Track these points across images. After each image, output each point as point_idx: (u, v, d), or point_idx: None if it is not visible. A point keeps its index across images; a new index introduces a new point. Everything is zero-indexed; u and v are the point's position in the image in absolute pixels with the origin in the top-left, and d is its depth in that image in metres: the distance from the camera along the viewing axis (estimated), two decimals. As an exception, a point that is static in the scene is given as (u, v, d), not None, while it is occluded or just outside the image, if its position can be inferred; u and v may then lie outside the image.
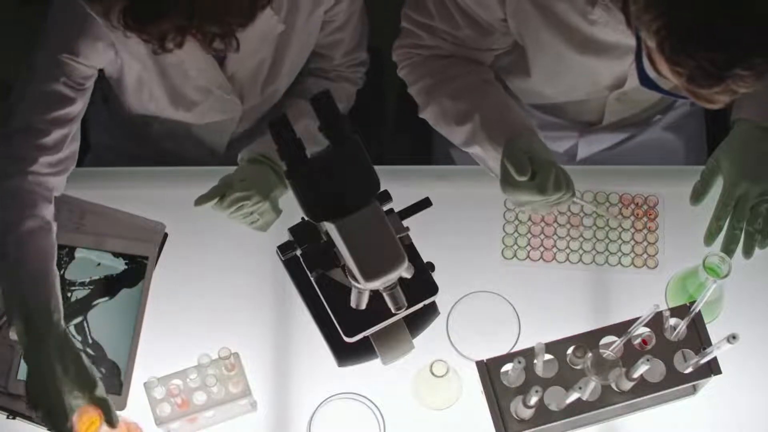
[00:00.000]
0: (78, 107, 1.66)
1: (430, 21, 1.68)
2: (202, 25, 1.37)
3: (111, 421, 1.55)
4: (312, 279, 1.51)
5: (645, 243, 1.77)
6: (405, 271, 1.40)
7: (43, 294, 1.57)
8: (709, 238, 1.71)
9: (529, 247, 1.77)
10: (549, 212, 1.73)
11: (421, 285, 1.49)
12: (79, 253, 1.74)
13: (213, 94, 1.75)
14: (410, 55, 1.74)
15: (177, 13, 1.34)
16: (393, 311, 1.44)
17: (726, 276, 1.55)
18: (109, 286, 1.73)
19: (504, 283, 1.73)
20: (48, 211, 1.65)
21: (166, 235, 1.77)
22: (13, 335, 1.56)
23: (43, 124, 1.64)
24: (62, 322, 1.57)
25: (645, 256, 1.76)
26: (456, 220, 1.77)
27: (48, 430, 1.55)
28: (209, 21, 1.37)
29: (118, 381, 1.67)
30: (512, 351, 1.61)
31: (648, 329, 1.52)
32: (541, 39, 1.64)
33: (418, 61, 1.73)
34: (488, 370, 1.53)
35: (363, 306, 1.46)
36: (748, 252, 1.69)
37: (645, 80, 1.41)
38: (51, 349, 1.54)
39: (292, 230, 1.52)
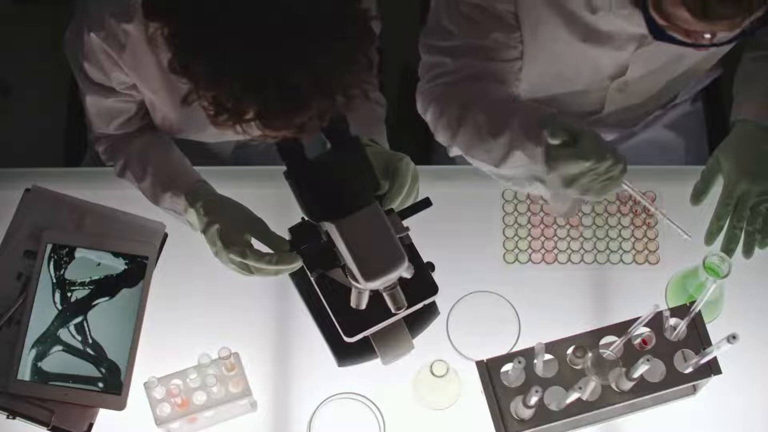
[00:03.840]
0: (136, 101, 1.69)
1: (453, 41, 1.65)
2: (337, 99, 1.31)
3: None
4: (312, 279, 1.51)
5: (645, 239, 1.77)
6: (405, 271, 1.40)
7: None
8: (710, 237, 1.71)
9: (530, 250, 1.77)
10: (600, 198, 1.59)
11: (421, 285, 1.49)
12: (79, 253, 1.74)
13: None
14: (435, 88, 1.70)
15: (318, 98, 1.28)
16: (393, 311, 1.44)
17: (726, 276, 1.55)
18: (109, 286, 1.73)
19: (504, 283, 1.73)
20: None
21: (166, 235, 1.77)
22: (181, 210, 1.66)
23: (120, 128, 1.73)
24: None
25: (646, 252, 1.77)
26: (456, 220, 1.77)
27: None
28: (351, 91, 1.31)
29: (118, 381, 1.67)
30: (512, 351, 1.61)
31: (648, 329, 1.52)
32: (542, 21, 1.63)
33: (445, 91, 1.69)
34: (488, 370, 1.53)
35: (363, 306, 1.46)
36: (748, 252, 1.69)
37: (656, 32, 1.40)
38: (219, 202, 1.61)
39: (292, 230, 1.52)
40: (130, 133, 1.75)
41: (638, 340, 1.53)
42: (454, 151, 1.73)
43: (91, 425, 1.66)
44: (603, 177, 1.50)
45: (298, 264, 1.51)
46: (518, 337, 1.68)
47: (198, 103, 1.32)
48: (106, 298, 1.72)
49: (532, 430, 1.51)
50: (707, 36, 1.38)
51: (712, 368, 1.52)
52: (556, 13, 1.61)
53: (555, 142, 1.48)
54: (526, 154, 1.59)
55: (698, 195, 1.73)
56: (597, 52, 1.66)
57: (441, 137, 1.72)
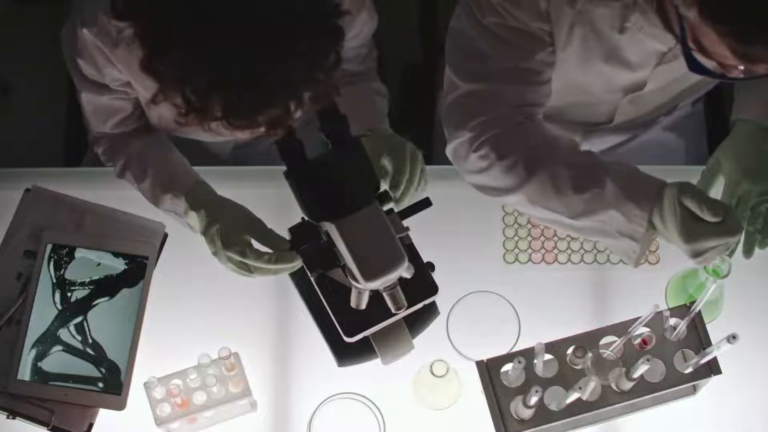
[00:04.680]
0: (131, 99, 1.68)
1: (495, 66, 1.60)
2: (304, 96, 1.29)
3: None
4: (312, 279, 1.51)
5: (645, 239, 1.77)
6: (405, 271, 1.40)
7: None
8: None
9: (530, 250, 1.77)
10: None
11: (421, 285, 1.49)
12: (79, 253, 1.74)
13: None
14: (488, 125, 1.62)
15: (284, 95, 1.27)
16: (393, 311, 1.44)
17: (726, 276, 1.55)
18: (109, 286, 1.73)
19: (504, 283, 1.72)
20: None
21: (166, 235, 1.77)
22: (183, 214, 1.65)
23: (116, 127, 1.72)
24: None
25: (646, 252, 1.76)
26: (456, 220, 1.77)
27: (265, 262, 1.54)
28: (313, 87, 1.30)
29: (118, 381, 1.67)
30: (512, 351, 1.61)
31: (648, 329, 1.52)
32: (572, 39, 1.61)
33: (493, 131, 1.62)
34: (488, 370, 1.53)
35: (363, 306, 1.46)
36: (748, 252, 1.69)
37: (693, 65, 1.39)
38: (224, 206, 1.60)
39: (292, 230, 1.52)
40: (128, 133, 1.75)
41: (638, 340, 1.53)
42: (511, 203, 1.67)
43: (91, 425, 1.66)
44: (731, 247, 1.52)
45: (298, 263, 1.51)
46: (518, 337, 1.68)
47: (166, 103, 1.32)
48: (106, 298, 1.72)
49: (532, 430, 1.51)
50: (741, 68, 1.37)
51: (712, 368, 1.52)
52: (585, 31, 1.59)
53: (714, 219, 1.47)
54: (623, 214, 1.56)
55: None
56: (617, 71, 1.65)
57: (498, 180, 1.63)
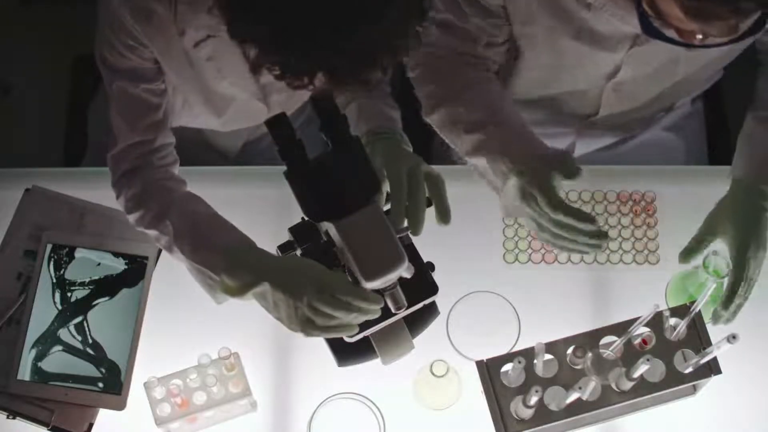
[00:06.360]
0: (163, 93, 1.62)
1: (438, 15, 1.67)
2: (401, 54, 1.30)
3: None
4: (312, 279, 1.50)
5: (645, 239, 1.77)
6: (405, 271, 1.40)
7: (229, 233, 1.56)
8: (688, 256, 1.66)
9: (530, 250, 1.77)
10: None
11: (421, 285, 1.49)
12: (79, 253, 1.74)
13: (240, 100, 1.70)
14: (423, 56, 1.72)
15: (383, 55, 1.27)
16: (393, 311, 1.44)
17: (726, 276, 1.55)
18: (109, 286, 1.73)
19: (504, 283, 1.73)
20: (181, 182, 1.65)
21: (166, 235, 1.77)
22: (221, 294, 1.53)
23: (147, 131, 1.62)
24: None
25: (646, 252, 1.76)
26: (456, 220, 1.76)
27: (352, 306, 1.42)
28: (404, 41, 1.29)
29: (118, 381, 1.67)
30: (512, 351, 1.61)
31: (648, 329, 1.52)
32: (534, 18, 1.62)
33: (431, 62, 1.71)
34: (488, 370, 1.53)
35: (363, 306, 1.45)
36: (729, 320, 1.63)
37: (648, 29, 1.39)
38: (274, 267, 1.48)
39: (292, 230, 1.51)
40: (167, 185, 1.64)
41: (638, 340, 1.53)
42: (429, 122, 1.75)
43: (91, 425, 1.66)
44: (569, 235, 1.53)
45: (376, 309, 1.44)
46: (518, 337, 1.68)
47: (265, 67, 1.29)
48: (106, 298, 1.73)
49: (532, 430, 1.51)
50: (699, 36, 1.37)
51: (712, 368, 1.52)
52: (548, 10, 1.60)
53: (558, 216, 1.50)
54: (490, 166, 1.60)
55: (687, 254, 1.64)
56: (590, 50, 1.65)
57: (420, 99, 1.74)
